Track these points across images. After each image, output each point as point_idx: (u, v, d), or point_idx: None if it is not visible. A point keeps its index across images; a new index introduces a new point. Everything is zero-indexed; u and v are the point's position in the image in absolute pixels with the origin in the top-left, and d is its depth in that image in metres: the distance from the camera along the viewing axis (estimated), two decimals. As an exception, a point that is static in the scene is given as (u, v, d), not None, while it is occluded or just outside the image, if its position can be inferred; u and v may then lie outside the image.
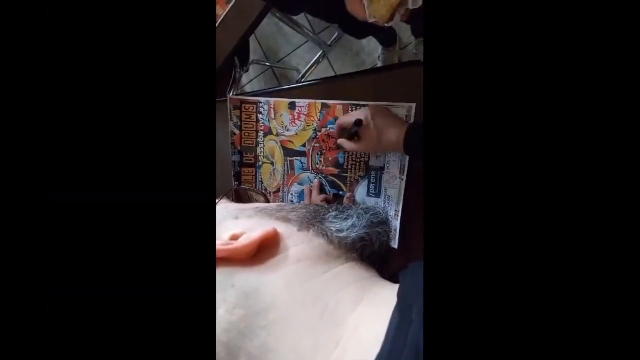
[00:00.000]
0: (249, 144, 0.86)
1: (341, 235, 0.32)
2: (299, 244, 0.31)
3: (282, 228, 0.32)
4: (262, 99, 0.83)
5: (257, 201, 0.84)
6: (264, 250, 0.31)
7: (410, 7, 0.64)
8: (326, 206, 0.37)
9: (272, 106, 0.83)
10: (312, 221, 0.34)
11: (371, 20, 0.68)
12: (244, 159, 0.86)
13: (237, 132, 0.85)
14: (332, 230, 0.33)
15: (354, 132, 0.74)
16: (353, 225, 0.34)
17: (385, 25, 0.68)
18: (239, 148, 0.86)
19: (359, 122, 0.71)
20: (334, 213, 0.35)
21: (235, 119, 0.85)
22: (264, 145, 0.86)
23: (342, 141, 0.76)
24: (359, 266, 0.32)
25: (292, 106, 0.83)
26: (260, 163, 0.86)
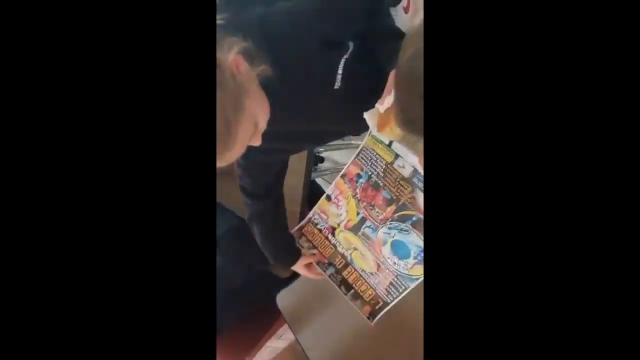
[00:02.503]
0: (330, 252, 0.92)
1: None
2: None
3: None
4: (310, 213, 0.93)
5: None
6: None
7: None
8: None
9: (319, 212, 0.92)
10: None
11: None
12: (337, 264, 0.91)
13: (316, 251, 0.93)
14: None
15: None
16: None
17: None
18: (327, 261, 0.92)
19: None
20: None
21: (306, 245, 0.94)
22: (339, 242, 0.90)
23: None
24: None
25: (328, 198, 0.90)
26: (349, 257, 0.89)
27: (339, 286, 0.91)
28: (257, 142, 0.56)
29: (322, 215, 0.92)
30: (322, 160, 1.38)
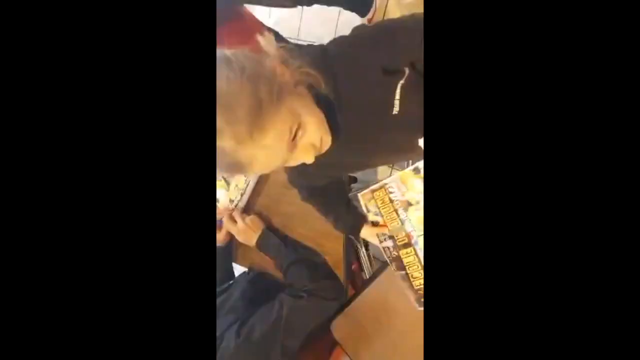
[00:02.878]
0: (395, 225, 0.86)
1: None
2: None
3: None
4: (387, 180, 0.86)
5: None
6: None
7: None
8: None
9: (398, 182, 0.85)
10: None
11: None
12: (398, 239, 0.86)
13: (380, 218, 0.87)
14: None
15: None
16: None
17: None
18: (388, 233, 0.86)
19: None
20: None
21: (373, 210, 0.87)
22: (410, 220, 0.84)
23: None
24: None
25: (416, 171, 0.83)
26: (415, 238, 0.84)
27: (391, 262, 0.87)
28: (309, 158, 0.57)
29: (402, 186, 0.85)
30: (355, 180, 1.30)
